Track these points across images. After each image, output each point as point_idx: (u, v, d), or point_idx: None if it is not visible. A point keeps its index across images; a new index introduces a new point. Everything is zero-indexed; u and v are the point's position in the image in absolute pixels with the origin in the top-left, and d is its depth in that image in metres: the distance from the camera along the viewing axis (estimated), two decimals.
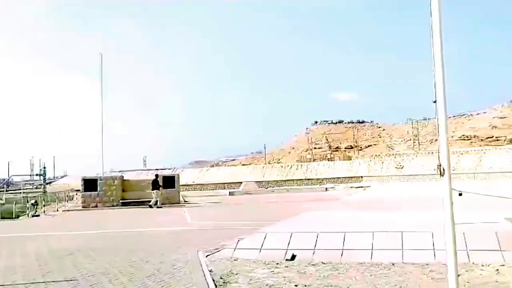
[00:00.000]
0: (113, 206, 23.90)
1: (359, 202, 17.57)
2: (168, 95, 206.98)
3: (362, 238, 8.48)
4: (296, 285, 6.58)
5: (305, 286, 6.54)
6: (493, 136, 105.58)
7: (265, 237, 9.17)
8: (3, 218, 21.17)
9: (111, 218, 19.32)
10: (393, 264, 7.55)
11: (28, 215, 20.43)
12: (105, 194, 24.11)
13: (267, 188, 38.02)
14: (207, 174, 57.47)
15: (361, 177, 46.63)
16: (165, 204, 23.84)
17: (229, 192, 33.84)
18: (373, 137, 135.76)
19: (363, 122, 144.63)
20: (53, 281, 7.38)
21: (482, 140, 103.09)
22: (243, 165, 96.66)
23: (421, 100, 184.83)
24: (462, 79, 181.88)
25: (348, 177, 46.75)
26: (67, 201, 27.54)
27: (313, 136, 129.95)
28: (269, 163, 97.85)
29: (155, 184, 23.61)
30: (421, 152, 76.11)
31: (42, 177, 49.19)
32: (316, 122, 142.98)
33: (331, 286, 6.48)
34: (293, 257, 8.40)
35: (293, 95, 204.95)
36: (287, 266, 7.86)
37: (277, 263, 8.16)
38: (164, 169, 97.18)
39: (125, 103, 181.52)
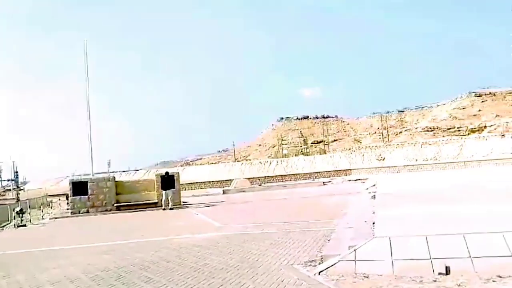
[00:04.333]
0: (106, 211, 21.08)
1: (400, 194, 15.72)
2: (129, 97, 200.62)
3: None
4: None
5: None
6: (454, 127, 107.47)
7: (390, 243, 7.00)
8: None
9: (116, 225, 16.62)
10: None
11: (15, 226, 17.32)
12: (97, 198, 21.20)
13: (260, 185, 35.80)
14: (184, 174, 54.62)
15: (350, 170, 45.19)
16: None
17: (223, 191, 31.39)
18: (339, 132, 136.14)
19: (327, 117, 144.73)
20: None
21: (444, 131, 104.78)
22: (211, 163, 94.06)
23: (382, 94, 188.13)
24: (422, 71, 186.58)
25: (336, 171, 45.22)
26: (50, 207, 24.43)
27: (280, 132, 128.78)
28: (237, 160, 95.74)
29: (166, 183, 21.07)
30: (392, 144, 76.09)
31: (14, 183, 44.74)
32: (281, 119, 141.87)
33: None
34: (448, 270, 6.31)
35: (256, 92, 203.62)
36: (459, 285, 5.76)
37: (435, 280, 6.06)
38: (130, 171, 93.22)
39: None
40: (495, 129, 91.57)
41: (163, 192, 21.06)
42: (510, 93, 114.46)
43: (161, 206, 21.18)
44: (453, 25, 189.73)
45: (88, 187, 21.16)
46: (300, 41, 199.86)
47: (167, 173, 22.33)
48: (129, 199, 21.88)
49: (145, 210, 20.93)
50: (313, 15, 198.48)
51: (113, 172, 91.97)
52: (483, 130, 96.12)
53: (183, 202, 23.43)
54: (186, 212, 19.22)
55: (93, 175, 23.09)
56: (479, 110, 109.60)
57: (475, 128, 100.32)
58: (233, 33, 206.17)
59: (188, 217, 17.18)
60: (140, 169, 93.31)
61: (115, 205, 21.41)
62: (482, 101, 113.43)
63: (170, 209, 20.77)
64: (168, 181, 21.36)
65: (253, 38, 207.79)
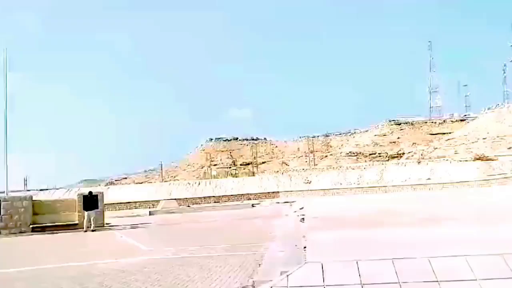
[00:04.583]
0: (21, 232, 19.51)
1: (329, 217, 16.06)
2: (50, 114, 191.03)
3: (453, 264, 6.76)
4: None
5: None
6: (375, 153, 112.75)
7: (322, 269, 7.01)
8: None
9: (31, 248, 15.42)
10: None
11: None
12: (10, 218, 19.59)
13: (189, 207, 35.08)
14: (108, 193, 52.41)
15: (278, 192, 45.73)
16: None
17: (149, 212, 30.37)
18: (267, 154, 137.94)
19: (257, 139, 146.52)
20: None
21: (366, 156, 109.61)
22: (137, 183, 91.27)
23: (309, 118, 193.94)
24: (348, 99, 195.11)
25: (264, 193, 45.51)
26: None
27: (209, 153, 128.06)
28: (165, 180, 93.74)
29: (89, 203, 19.96)
30: (318, 167, 78.13)
31: None
32: (211, 139, 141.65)
33: None
34: None
35: (185, 112, 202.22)
36: None
37: None
38: (49, 189, 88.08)
39: None
40: (412, 155, 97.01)
41: (86, 213, 19.96)
42: (426, 123, 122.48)
43: (83, 227, 20.05)
44: (376, 55, 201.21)
45: (1, 207, 19.52)
46: (229, 63, 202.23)
47: (90, 192, 21.23)
48: (47, 220, 20.46)
49: (65, 232, 19.67)
50: (243, 37, 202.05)
51: (30, 190, 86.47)
52: (401, 156, 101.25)
53: (106, 224, 22.34)
54: (110, 235, 18.29)
55: (7, 194, 21.42)
56: (398, 138, 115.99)
57: (394, 155, 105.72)
58: (166, 52, 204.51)
59: (112, 240, 16.35)
60: (61, 187, 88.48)
61: (31, 226, 19.92)
62: (401, 129, 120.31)
63: (92, 231, 19.71)
64: (91, 201, 20.30)
65: (182, 56, 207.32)
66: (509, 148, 65.17)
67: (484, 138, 75.95)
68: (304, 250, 8.74)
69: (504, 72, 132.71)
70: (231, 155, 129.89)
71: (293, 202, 34.19)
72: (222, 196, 45.03)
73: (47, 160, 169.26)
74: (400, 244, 8.47)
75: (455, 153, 72.37)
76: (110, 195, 50.61)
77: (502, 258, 6.44)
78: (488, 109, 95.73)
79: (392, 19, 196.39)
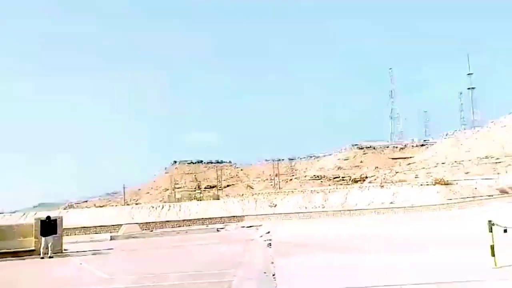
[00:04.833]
0: None
1: (297, 242, 15.90)
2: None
3: None
4: None
5: None
6: (339, 176, 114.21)
7: None
8: None
9: None
10: None
11: None
12: None
13: (152, 231, 34.20)
14: (67, 217, 50.58)
15: (243, 216, 45.27)
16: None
17: (111, 237, 29.36)
18: (232, 177, 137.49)
19: (222, 162, 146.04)
20: None
21: (330, 179, 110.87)
22: (98, 207, 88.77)
23: (274, 142, 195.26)
24: (313, 123, 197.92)
25: (229, 217, 44.95)
26: None
27: (173, 176, 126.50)
28: (127, 204, 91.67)
29: (47, 229, 19.02)
30: (283, 191, 78.23)
31: None
32: (175, 162, 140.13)
33: None
34: None
35: (149, 135, 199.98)
36: None
37: None
38: (4, 213, 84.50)
39: None
40: (375, 179, 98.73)
41: (43, 238, 19.04)
42: (387, 147, 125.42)
43: (40, 254, 19.10)
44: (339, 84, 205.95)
45: None
46: (194, 87, 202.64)
47: (48, 217, 20.30)
48: (1, 246, 19.35)
49: (20, 259, 18.69)
50: (208, 59, 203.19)
51: None
52: (364, 180, 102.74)
53: (65, 250, 21.39)
54: (69, 261, 17.50)
55: None
56: (361, 162, 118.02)
57: (357, 178, 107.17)
58: (130, 76, 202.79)
59: (70, 267, 15.61)
60: (16, 211, 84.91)
61: None
62: (364, 153, 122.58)
63: (50, 257, 18.80)
64: (49, 226, 19.38)
65: (148, 80, 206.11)
66: (467, 172, 67.21)
67: (443, 163, 78.16)
68: (274, 278, 8.52)
69: (461, 100, 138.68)
70: (195, 178, 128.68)
71: (259, 226, 33.86)
72: (186, 220, 44.20)
73: (2, 182, 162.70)
74: (370, 271, 8.38)
75: (416, 177, 74.03)
76: (69, 219, 48.85)
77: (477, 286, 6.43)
78: (446, 135, 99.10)
79: (355, 47, 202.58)
